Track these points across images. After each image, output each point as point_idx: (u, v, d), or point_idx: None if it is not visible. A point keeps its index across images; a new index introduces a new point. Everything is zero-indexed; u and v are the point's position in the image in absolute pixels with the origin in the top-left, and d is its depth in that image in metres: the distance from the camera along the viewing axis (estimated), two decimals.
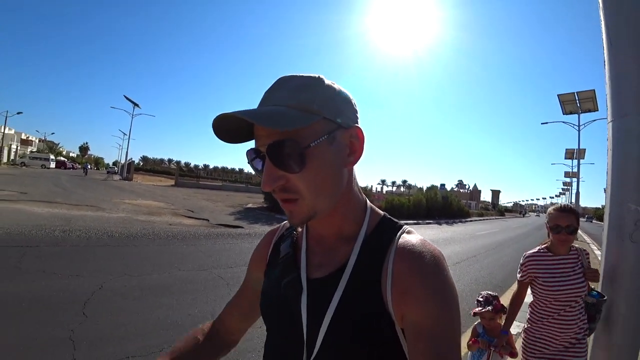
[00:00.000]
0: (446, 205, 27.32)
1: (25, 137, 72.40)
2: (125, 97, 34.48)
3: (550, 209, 1.82)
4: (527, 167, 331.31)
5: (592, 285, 1.78)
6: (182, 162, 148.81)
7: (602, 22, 1.69)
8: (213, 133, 0.50)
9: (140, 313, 3.26)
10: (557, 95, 15.24)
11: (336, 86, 0.53)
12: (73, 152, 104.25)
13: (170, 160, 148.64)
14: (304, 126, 0.47)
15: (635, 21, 1.59)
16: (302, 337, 0.53)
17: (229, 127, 0.50)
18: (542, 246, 1.83)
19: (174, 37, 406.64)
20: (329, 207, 0.53)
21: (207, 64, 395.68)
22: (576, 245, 1.79)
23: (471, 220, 30.76)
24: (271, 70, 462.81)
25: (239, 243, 7.68)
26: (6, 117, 37.06)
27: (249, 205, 16.98)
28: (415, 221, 19.65)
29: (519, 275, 1.86)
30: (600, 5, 1.68)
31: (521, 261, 1.86)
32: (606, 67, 1.69)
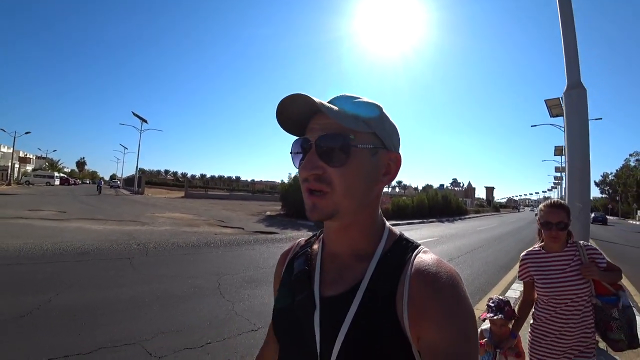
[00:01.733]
0: (446, 204, 29.16)
1: (23, 155, 72.85)
2: (133, 113, 35.82)
3: (541, 205, 1.80)
4: (519, 163, 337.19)
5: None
6: (179, 172, 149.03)
7: (565, 123, 3.17)
8: (276, 111, 0.55)
9: (269, 296, 4.33)
10: (544, 100, 16.95)
11: (389, 115, 0.60)
12: (67, 168, 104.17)
13: (166, 172, 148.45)
14: (360, 130, 0.53)
15: (580, 125, 3.09)
16: (315, 355, 0.54)
17: (289, 115, 0.56)
18: (538, 245, 1.83)
19: (157, 44, 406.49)
20: (350, 213, 0.55)
21: (194, 67, 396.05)
22: (581, 242, 1.75)
23: (469, 217, 32.44)
24: (260, 73, 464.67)
25: (286, 245, 9.00)
26: (14, 137, 37.97)
27: (268, 213, 18.26)
28: (420, 220, 21.17)
29: (518, 276, 1.87)
30: (564, 120, 3.14)
31: (519, 262, 1.87)
32: (565, 148, 3.17)
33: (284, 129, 0.58)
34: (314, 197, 0.53)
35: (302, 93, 0.51)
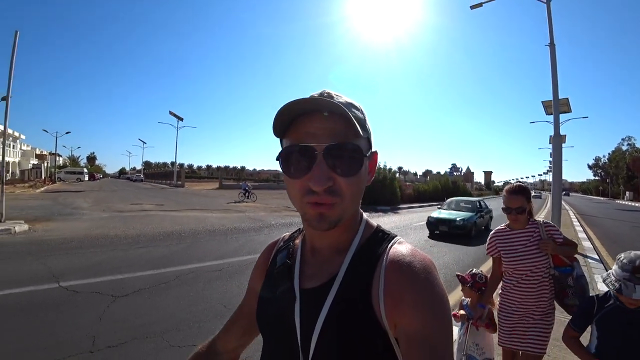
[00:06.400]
0: (455, 189, 34.39)
1: (39, 152, 75.58)
2: (170, 112, 39.05)
3: (503, 191, 1.97)
4: (516, 147, 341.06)
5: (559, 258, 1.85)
6: (185, 164, 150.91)
7: (552, 148, 7.08)
8: (278, 115, 0.51)
9: None
10: (541, 101, 20.69)
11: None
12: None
13: (173, 163, 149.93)
14: (363, 137, 0.55)
15: (558, 153, 6.97)
16: (297, 345, 0.56)
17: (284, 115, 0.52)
18: (504, 224, 2.01)
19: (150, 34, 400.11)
20: (350, 217, 0.58)
21: (194, 56, 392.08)
22: (541, 220, 1.94)
23: None
24: (254, 59, 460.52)
25: None
26: (56, 137, 41.08)
27: None
28: (437, 202, 25.25)
29: (487, 251, 2.05)
30: (552, 147, 7.06)
31: (488, 240, 2.02)
32: (552, 161, 7.04)
33: (277, 130, 0.54)
34: (322, 208, 0.52)
35: (328, 100, 0.50)
